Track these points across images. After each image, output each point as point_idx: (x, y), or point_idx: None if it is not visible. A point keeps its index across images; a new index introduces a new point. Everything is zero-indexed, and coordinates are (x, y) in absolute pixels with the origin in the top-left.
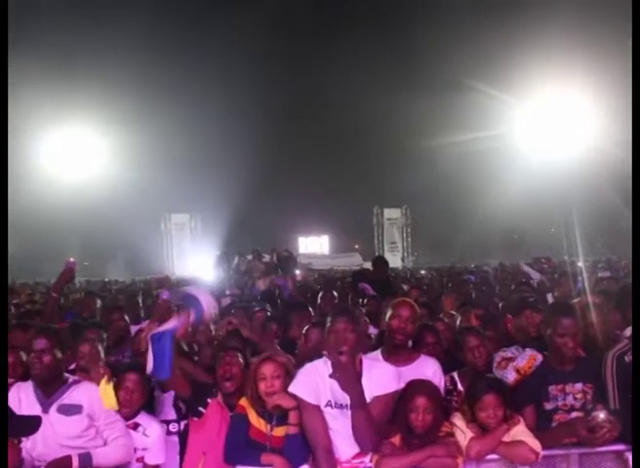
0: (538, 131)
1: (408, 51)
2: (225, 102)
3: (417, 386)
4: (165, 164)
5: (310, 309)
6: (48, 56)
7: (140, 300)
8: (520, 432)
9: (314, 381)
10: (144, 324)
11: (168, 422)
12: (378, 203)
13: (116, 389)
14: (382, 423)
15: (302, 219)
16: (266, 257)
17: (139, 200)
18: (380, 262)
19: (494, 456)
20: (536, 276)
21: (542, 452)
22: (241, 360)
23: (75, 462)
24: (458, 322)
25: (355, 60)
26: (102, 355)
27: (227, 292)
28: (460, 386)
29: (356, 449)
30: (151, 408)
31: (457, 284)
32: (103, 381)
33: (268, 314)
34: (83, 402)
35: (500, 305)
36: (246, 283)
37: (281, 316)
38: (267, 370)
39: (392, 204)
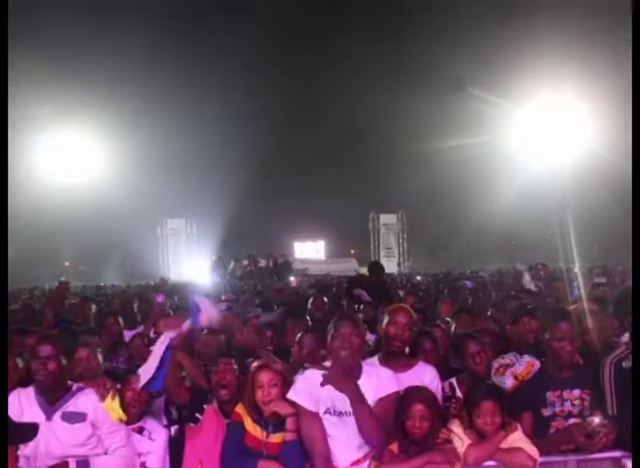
0: (533, 136)
1: (404, 55)
2: (221, 107)
3: (414, 393)
4: (161, 168)
5: (308, 317)
6: (43, 59)
7: (136, 305)
8: (518, 439)
9: (313, 388)
10: (140, 329)
11: None
12: (374, 208)
13: (120, 395)
14: (386, 425)
15: (298, 224)
16: (262, 262)
17: (134, 205)
18: (376, 268)
19: (491, 463)
20: (528, 282)
21: (540, 459)
22: (235, 367)
23: None
24: (452, 328)
25: (351, 65)
26: (101, 362)
27: (223, 298)
28: (458, 392)
29: (354, 457)
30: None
31: (452, 290)
32: (109, 398)
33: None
34: (88, 410)
35: (490, 312)
36: (241, 288)
37: (277, 323)
38: (264, 378)
39: (388, 209)
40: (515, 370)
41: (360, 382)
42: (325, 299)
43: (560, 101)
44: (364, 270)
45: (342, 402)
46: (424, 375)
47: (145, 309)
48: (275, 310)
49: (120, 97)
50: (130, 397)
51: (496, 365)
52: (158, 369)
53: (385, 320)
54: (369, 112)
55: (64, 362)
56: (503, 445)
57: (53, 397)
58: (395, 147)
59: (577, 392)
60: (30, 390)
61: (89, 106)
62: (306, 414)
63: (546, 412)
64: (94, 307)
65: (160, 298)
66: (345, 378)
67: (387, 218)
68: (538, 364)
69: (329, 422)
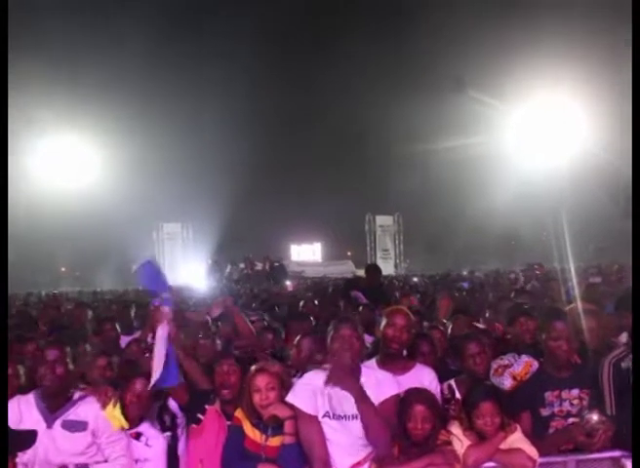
0: (529, 137)
1: (401, 57)
2: (217, 111)
3: (415, 395)
4: (157, 173)
5: (312, 319)
6: (41, 64)
7: (133, 311)
8: (517, 439)
9: (312, 392)
10: (137, 334)
11: None
12: (370, 210)
13: (121, 402)
14: (391, 426)
15: (295, 227)
16: (259, 265)
17: (130, 210)
18: (373, 269)
19: (491, 464)
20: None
21: (540, 460)
22: (238, 368)
23: None
24: (449, 330)
25: (347, 68)
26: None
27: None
28: (457, 394)
29: (353, 460)
30: None
31: (450, 291)
32: (111, 406)
33: (265, 323)
34: (89, 418)
35: (487, 313)
36: (238, 291)
37: (283, 326)
38: (262, 381)
39: (384, 211)
40: (513, 370)
41: None
42: (315, 302)
43: (556, 102)
44: (361, 272)
45: (341, 405)
46: (423, 377)
47: (142, 315)
48: (277, 312)
49: (116, 103)
50: (130, 401)
51: (494, 365)
52: (166, 364)
53: (383, 322)
54: (364, 115)
55: (71, 366)
56: (503, 445)
57: (54, 404)
58: (391, 149)
59: (575, 392)
60: (30, 397)
61: (86, 112)
62: (305, 418)
63: (545, 412)
64: (90, 313)
65: (157, 303)
66: (350, 377)
67: (384, 220)
68: (536, 364)
69: (328, 426)
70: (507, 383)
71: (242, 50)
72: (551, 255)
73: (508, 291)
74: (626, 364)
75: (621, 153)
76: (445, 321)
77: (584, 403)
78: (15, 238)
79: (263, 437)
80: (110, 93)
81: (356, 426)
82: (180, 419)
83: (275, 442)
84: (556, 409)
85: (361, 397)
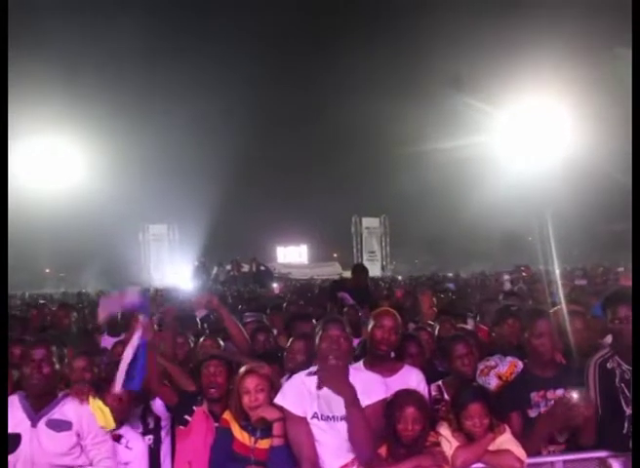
0: (517, 139)
1: (389, 61)
2: (203, 113)
3: (405, 396)
4: (142, 174)
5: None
6: (24, 65)
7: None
8: (506, 441)
9: (301, 393)
10: (123, 336)
11: None
12: (356, 212)
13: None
14: (377, 432)
15: (281, 229)
16: (245, 267)
17: (116, 211)
18: (360, 269)
19: (479, 465)
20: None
21: (528, 460)
22: (225, 369)
23: None
24: (436, 331)
25: (338, 73)
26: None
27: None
28: (445, 395)
29: (342, 462)
30: None
31: (430, 288)
32: (91, 398)
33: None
34: (73, 418)
35: (474, 315)
36: (224, 293)
37: (285, 327)
38: (251, 383)
39: (371, 213)
40: (499, 370)
41: None
42: (301, 303)
43: (543, 105)
44: (347, 274)
45: (330, 406)
46: (411, 379)
47: (129, 316)
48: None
49: (100, 104)
50: (110, 403)
51: (480, 366)
52: (133, 368)
53: (371, 323)
54: (351, 117)
55: (58, 366)
56: (491, 447)
57: (39, 403)
58: (378, 151)
59: (560, 392)
60: (14, 398)
61: (71, 113)
62: (294, 419)
63: (532, 414)
64: (74, 315)
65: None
66: (343, 380)
67: (370, 222)
68: (520, 364)
69: (316, 427)
70: (493, 383)
71: (233, 51)
72: (537, 258)
73: (495, 292)
74: (611, 364)
75: (608, 156)
76: (431, 322)
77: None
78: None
79: (252, 439)
80: (96, 93)
81: (345, 428)
82: (165, 422)
83: (264, 444)
84: (542, 410)
85: (352, 401)
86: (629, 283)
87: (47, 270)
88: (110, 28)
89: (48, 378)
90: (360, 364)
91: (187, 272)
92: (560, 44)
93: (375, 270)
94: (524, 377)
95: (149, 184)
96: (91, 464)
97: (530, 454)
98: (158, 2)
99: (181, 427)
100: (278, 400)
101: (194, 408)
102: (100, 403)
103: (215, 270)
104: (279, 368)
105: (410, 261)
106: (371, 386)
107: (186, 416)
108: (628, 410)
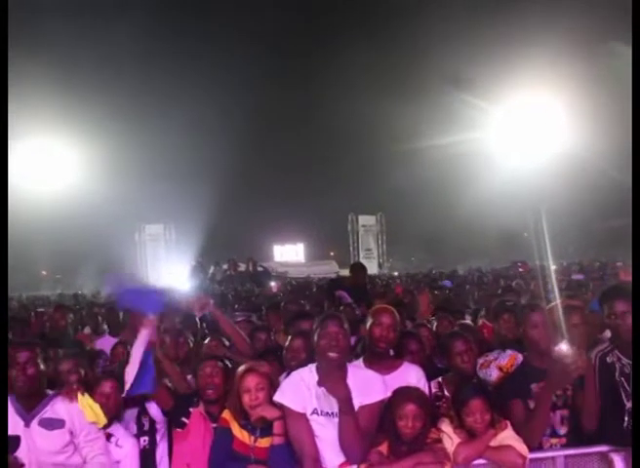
0: (512, 136)
1: (384, 58)
2: (199, 113)
3: (405, 393)
4: (138, 175)
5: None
6: (21, 66)
7: (121, 313)
8: (507, 437)
9: (300, 389)
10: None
11: None
12: (352, 210)
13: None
14: (370, 433)
15: (277, 228)
16: (242, 266)
17: (112, 211)
18: (359, 268)
19: (481, 461)
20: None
21: (530, 455)
22: (222, 368)
23: None
24: (434, 328)
25: (331, 72)
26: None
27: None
28: (446, 392)
29: (343, 458)
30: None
31: (429, 287)
32: (79, 395)
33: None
34: (65, 416)
35: (472, 311)
36: (221, 292)
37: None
38: (251, 382)
39: (367, 211)
40: (500, 362)
41: None
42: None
43: (538, 101)
44: (344, 272)
45: (329, 402)
46: (411, 376)
47: (129, 317)
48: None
49: (96, 105)
50: (99, 401)
51: (481, 361)
52: (141, 371)
53: (369, 321)
54: (347, 116)
55: (43, 367)
56: (493, 443)
57: (30, 403)
58: (373, 149)
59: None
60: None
61: (67, 114)
62: (294, 416)
63: (533, 405)
64: (70, 316)
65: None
66: (339, 381)
67: (366, 220)
68: (520, 357)
69: (317, 423)
70: (494, 374)
71: (229, 52)
72: (534, 254)
73: (494, 288)
74: (611, 358)
75: (604, 152)
76: (430, 318)
77: (569, 393)
78: None
79: (252, 438)
80: (92, 94)
81: None
82: (160, 425)
83: (264, 443)
84: None
85: (344, 406)
86: (629, 277)
87: (43, 272)
88: (108, 30)
89: (33, 379)
90: (360, 361)
91: (184, 272)
92: (555, 40)
93: (372, 268)
94: (524, 369)
95: (145, 184)
96: (85, 461)
97: (534, 443)
98: (155, 5)
99: (179, 430)
100: (277, 397)
101: (190, 409)
102: (89, 399)
103: (212, 269)
104: (278, 366)
105: (406, 259)
106: (370, 386)
107: (183, 418)
108: (628, 404)
